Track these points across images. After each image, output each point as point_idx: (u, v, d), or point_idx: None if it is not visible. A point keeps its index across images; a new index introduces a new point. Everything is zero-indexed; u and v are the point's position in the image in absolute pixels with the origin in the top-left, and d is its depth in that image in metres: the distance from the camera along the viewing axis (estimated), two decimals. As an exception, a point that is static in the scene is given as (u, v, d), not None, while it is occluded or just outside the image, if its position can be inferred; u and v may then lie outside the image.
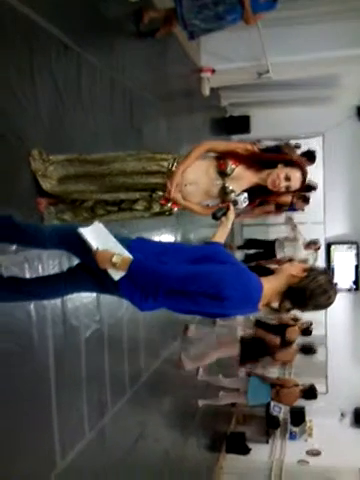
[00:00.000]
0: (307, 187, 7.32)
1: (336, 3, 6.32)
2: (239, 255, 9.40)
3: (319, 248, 8.99)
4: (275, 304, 2.18)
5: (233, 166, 2.77)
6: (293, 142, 9.32)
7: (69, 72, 3.47)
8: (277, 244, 8.86)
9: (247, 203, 2.64)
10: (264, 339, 6.78)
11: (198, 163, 2.86)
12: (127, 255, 2.11)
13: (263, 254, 8.91)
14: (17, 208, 2.72)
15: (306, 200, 8.93)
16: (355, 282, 10.01)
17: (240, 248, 9.46)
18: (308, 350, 7.66)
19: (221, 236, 2.54)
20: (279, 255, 8.85)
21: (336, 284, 2.23)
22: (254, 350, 7.03)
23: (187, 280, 2.04)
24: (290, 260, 8.52)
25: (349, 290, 9.94)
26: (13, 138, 2.77)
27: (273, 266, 6.15)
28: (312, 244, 8.82)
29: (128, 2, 4.55)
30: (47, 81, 3.17)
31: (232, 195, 2.65)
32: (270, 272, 2.21)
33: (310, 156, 7.50)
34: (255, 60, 6.95)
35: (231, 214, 2.59)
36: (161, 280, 2.06)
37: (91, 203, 3.00)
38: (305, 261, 8.51)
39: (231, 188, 2.70)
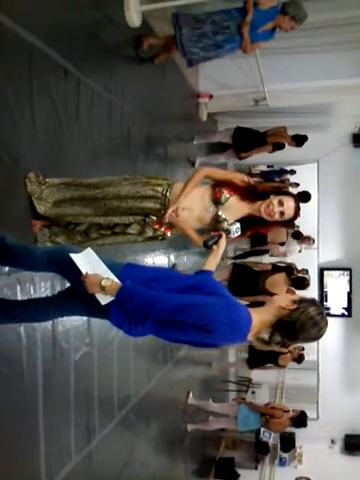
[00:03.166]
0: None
1: (332, 34, 6.44)
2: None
3: (313, 243, 8.97)
4: (265, 336, 2.17)
5: (228, 195, 2.80)
6: (288, 168, 9.42)
7: (68, 96, 3.50)
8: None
9: (239, 233, 2.66)
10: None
11: (194, 189, 2.89)
12: (116, 281, 2.12)
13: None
14: (11, 229, 2.73)
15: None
16: (347, 308, 10.03)
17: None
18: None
19: (212, 264, 2.55)
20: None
21: (327, 314, 2.21)
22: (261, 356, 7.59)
23: (176, 310, 2.04)
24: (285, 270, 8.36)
25: (342, 316, 9.96)
26: (10, 160, 2.79)
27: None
28: (306, 239, 8.78)
29: (128, 28, 4.62)
30: (45, 104, 3.20)
31: (225, 224, 2.67)
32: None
33: (305, 196, 7.58)
34: (252, 87, 7.05)
35: (223, 242, 2.61)
36: (150, 307, 2.06)
37: (85, 226, 3.02)
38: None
39: (224, 217, 2.73)
